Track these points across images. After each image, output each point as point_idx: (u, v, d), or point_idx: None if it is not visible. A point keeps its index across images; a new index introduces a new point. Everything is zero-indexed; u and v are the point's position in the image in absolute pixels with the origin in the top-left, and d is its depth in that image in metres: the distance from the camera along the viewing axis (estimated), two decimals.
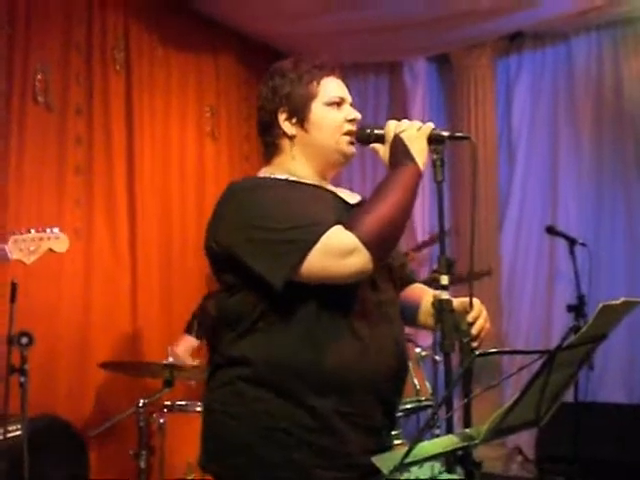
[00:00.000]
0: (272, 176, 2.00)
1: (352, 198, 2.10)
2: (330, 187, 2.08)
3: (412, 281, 2.25)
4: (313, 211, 1.86)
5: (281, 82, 2.03)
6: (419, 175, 1.89)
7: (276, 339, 1.86)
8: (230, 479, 1.91)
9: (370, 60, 6.20)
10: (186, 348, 4.24)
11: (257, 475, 1.84)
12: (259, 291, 1.85)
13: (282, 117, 2.02)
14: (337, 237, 1.77)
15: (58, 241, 3.11)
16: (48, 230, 3.09)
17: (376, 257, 1.78)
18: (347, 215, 1.91)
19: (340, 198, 2.05)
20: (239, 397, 1.88)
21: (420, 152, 1.91)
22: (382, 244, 1.81)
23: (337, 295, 1.85)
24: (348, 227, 1.78)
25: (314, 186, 2.01)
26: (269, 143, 2.08)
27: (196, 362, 4.08)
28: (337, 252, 1.76)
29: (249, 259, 1.82)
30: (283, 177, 1.99)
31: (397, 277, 2.11)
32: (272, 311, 1.86)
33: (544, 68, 5.96)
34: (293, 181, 1.99)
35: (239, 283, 1.90)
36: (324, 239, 1.76)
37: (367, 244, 1.75)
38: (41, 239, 3.07)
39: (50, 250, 3.09)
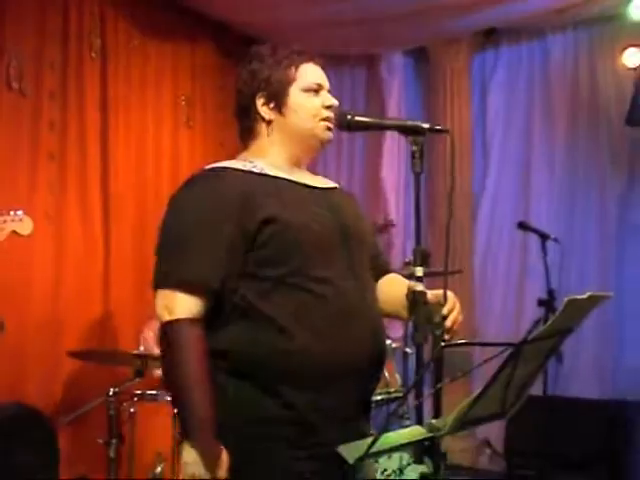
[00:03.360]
0: (232, 166, 1.98)
1: (324, 184, 2.13)
2: (300, 174, 2.07)
3: (387, 271, 2.24)
4: (207, 251, 1.87)
5: (260, 66, 2.03)
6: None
7: (250, 332, 1.85)
8: None
9: (347, 52, 6.18)
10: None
11: (233, 465, 1.82)
12: None
13: (260, 102, 2.03)
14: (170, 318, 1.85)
15: (22, 223, 3.10)
16: (12, 212, 3.08)
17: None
18: (312, 198, 1.98)
19: (302, 184, 2.04)
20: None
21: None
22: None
23: (317, 288, 1.85)
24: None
25: (277, 178, 1.99)
26: (246, 127, 2.08)
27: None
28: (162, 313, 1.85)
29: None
30: (246, 168, 1.98)
31: (374, 266, 2.13)
32: (244, 304, 1.86)
33: (520, 64, 5.98)
34: (256, 173, 1.97)
35: None
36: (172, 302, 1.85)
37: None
38: (5, 221, 3.05)
39: (14, 232, 3.07)
